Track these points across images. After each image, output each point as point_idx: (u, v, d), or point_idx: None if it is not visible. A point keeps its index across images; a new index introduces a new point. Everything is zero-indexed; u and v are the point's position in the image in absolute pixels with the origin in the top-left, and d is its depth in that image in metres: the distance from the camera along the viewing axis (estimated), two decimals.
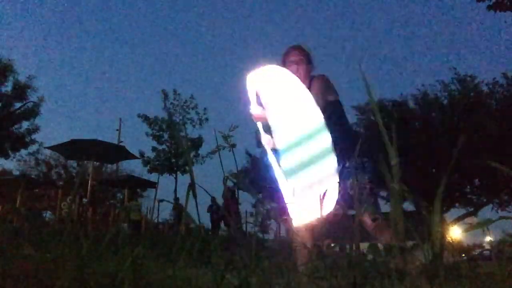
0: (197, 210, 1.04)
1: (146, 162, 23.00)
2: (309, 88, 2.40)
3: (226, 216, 12.24)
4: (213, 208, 12.32)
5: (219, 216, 12.49)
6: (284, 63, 2.55)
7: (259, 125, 2.59)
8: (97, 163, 19.58)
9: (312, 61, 2.57)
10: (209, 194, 1.09)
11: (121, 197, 23.51)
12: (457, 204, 18.46)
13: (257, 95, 2.57)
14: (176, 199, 13.91)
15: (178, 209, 12.96)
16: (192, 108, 23.54)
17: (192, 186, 0.99)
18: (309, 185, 2.06)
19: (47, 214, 12.57)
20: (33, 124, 21.50)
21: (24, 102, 21.10)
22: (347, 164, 2.26)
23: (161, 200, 13.71)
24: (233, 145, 1.60)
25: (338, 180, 2.00)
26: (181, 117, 22.63)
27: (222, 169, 1.27)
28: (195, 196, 1.01)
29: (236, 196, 12.54)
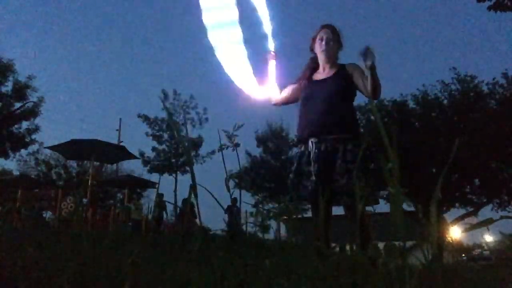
0: (198, 210, 1.04)
1: (146, 162, 23.02)
2: (342, 69, 2.46)
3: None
4: (232, 210, 11.11)
5: (238, 218, 11.15)
6: (315, 41, 2.55)
7: None
8: (97, 163, 19.57)
9: (342, 42, 2.57)
10: (212, 195, 1.09)
11: (121, 197, 23.51)
12: (457, 204, 18.43)
13: None
14: (160, 195, 13.26)
15: (161, 206, 12.57)
16: (192, 108, 23.57)
17: (193, 187, 0.99)
18: None
19: (47, 214, 12.56)
20: (33, 124, 21.49)
21: (24, 102, 21.08)
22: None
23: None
24: (237, 145, 1.60)
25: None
26: (181, 117, 22.63)
27: (225, 169, 1.28)
28: (196, 196, 1.01)
29: (195, 208, 12.24)
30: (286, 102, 2.66)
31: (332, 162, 2.24)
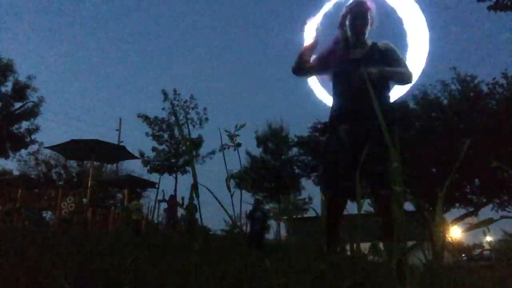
0: (199, 210, 1.04)
1: (146, 162, 23.01)
2: (375, 48, 2.34)
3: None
4: (255, 215, 9.69)
5: (263, 225, 9.75)
6: (345, 18, 2.40)
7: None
8: (97, 163, 19.56)
9: (373, 18, 2.41)
10: (215, 196, 1.09)
11: (121, 197, 23.54)
12: (457, 204, 18.43)
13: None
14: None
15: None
16: (192, 108, 23.58)
17: (194, 187, 0.99)
18: None
19: (48, 214, 12.56)
20: (33, 124, 21.50)
21: (24, 102, 21.09)
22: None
23: (161, 201, 13.68)
24: (239, 144, 1.59)
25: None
26: (182, 117, 22.65)
27: (226, 169, 1.27)
28: (197, 196, 1.01)
29: (177, 201, 12.41)
30: (311, 73, 2.52)
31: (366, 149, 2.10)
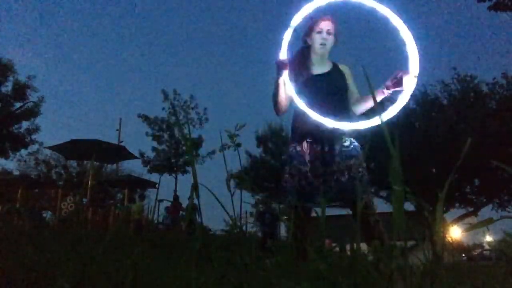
0: (199, 210, 1.04)
1: (146, 162, 23.04)
2: (337, 66, 2.41)
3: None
4: (266, 217, 9.70)
5: (274, 228, 9.65)
6: (312, 31, 2.37)
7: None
8: (97, 163, 19.56)
9: (337, 36, 2.40)
10: (215, 196, 1.09)
11: (121, 197, 23.55)
12: (457, 204, 18.44)
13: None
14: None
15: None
16: (192, 108, 23.61)
17: (195, 187, 0.99)
18: None
19: (47, 214, 12.55)
20: (33, 124, 21.53)
21: (24, 102, 21.11)
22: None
23: (161, 200, 13.73)
24: (239, 145, 1.60)
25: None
26: (182, 117, 22.69)
27: (226, 169, 1.27)
28: (197, 196, 1.01)
29: (180, 201, 12.53)
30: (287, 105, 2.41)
31: (329, 161, 2.18)
